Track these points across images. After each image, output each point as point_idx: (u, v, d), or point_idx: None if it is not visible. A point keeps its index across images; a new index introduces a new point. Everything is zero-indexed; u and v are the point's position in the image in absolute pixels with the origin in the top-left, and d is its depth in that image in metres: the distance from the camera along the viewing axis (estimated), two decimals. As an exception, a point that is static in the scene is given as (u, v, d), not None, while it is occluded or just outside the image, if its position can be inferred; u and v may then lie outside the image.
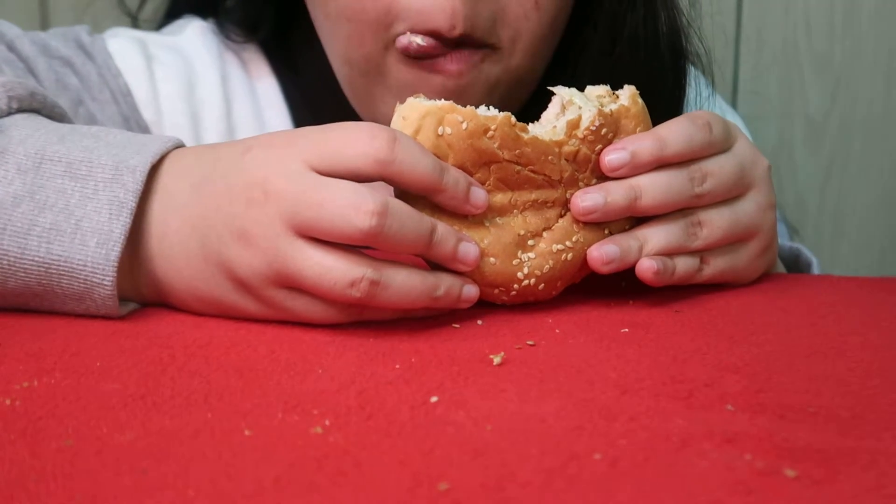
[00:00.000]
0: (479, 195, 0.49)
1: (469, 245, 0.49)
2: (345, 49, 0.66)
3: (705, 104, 0.72)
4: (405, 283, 0.46)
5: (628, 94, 0.53)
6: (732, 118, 0.86)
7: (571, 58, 0.70)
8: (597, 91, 0.53)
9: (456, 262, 0.48)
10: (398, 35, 0.62)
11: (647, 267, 0.52)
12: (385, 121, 0.67)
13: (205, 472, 0.32)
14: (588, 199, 0.51)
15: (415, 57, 0.62)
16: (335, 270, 0.45)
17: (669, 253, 0.53)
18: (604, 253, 0.51)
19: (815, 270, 0.77)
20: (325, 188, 0.45)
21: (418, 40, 0.61)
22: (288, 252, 0.45)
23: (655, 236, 0.53)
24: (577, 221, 0.52)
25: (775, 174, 1.15)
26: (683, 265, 0.54)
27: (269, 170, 0.46)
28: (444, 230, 0.48)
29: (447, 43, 0.61)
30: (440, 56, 0.62)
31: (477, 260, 0.49)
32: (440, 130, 0.48)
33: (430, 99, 0.49)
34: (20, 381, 0.40)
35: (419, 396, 0.39)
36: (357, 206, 0.44)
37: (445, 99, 0.49)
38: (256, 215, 0.46)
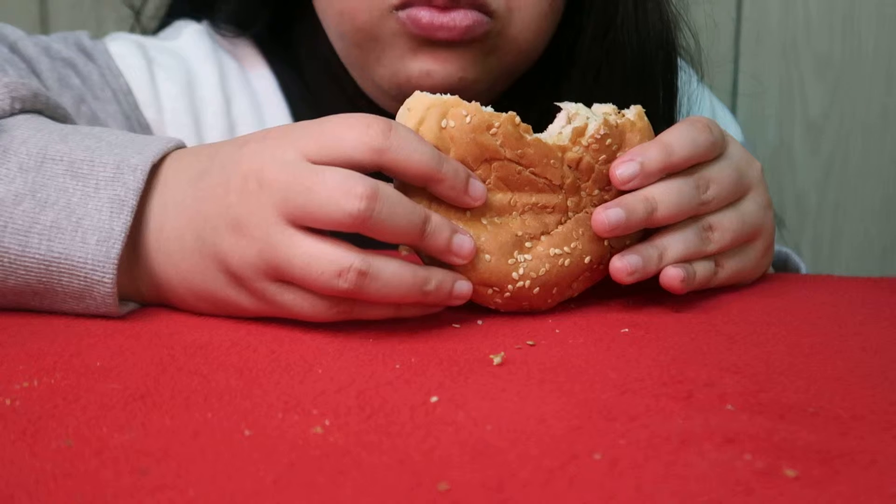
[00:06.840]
0: (478, 187, 0.49)
1: (464, 237, 0.48)
2: (338, 24, 0.67)
3: (694, 93, 0.73)
4: (394, 276, 0.46)
5: (635, 111, 0.54)
6: (721, 110, 0.87)
7: (567, 40, 0.70)
8: (603, 108, 0.53)
9: (450, 255, 0.48)
10: (393, 5, 0.62)
11: (673, 275, 0.52)
12: (386, 85, 0.67)
13: (205, 472, 0.32)
14: (612, 214, 0.51)
15: (419, 34, 0.62)
16: (323, 259, 0.45)
17: (687, 259, 0.53)
18: (627, 263, 0.51)
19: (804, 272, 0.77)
20: (316, 174, 0.45)
21: (423, 15, 0.61)
22: (278, 241, 0.45)
23: (674, 244, 0.53)
24: (576, 229, 0.52)
25: (775, 174, 1.15)
26: (702, 270, 0.54)
27: (265, 160, 0.46)
28: (438, 220, 0.47)
29: (445, 5, 0.61)
30: (441, 20, 0.61)
31: (472, 253, 0.48)
32: (444, 123, 0.48)
33: (436, 93, 0.49)
34: (20, 381, 0.40)
35: (419, 396, 0.39)
36: (346, 190, 0.44)
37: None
38: (250, 205, 0.46)
